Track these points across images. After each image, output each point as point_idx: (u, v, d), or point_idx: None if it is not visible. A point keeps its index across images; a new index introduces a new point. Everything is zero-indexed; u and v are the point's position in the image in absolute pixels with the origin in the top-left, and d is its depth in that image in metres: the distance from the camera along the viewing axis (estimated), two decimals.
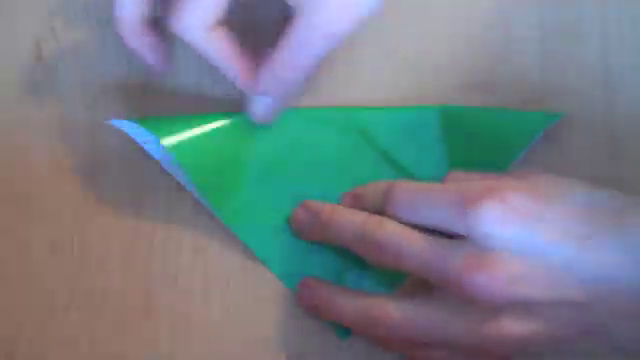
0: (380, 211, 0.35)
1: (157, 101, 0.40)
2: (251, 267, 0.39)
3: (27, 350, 0.38)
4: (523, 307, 0.31)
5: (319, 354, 0.38)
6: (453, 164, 0.39)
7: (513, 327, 0.31)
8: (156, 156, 0.38)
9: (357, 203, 0.37)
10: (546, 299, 0.31)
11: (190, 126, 0.37)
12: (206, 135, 0.38)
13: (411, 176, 0.39)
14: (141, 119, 0.37)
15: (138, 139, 0.38)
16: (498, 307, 0.31)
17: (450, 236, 0.32)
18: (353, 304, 0.35)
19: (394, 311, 0.34)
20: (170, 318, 0.38)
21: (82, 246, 0.39)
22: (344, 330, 0.37)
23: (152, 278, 0.38)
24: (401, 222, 0.34)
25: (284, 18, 0.35)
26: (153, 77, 0.40)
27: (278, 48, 0.36)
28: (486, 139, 0.39)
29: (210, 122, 0.38)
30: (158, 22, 0.37)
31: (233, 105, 0.40)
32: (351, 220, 0.35)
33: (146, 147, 0.38)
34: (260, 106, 0.37)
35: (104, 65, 0.40)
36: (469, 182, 0.33)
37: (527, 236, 0.31)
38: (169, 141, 0.37)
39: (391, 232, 0.33)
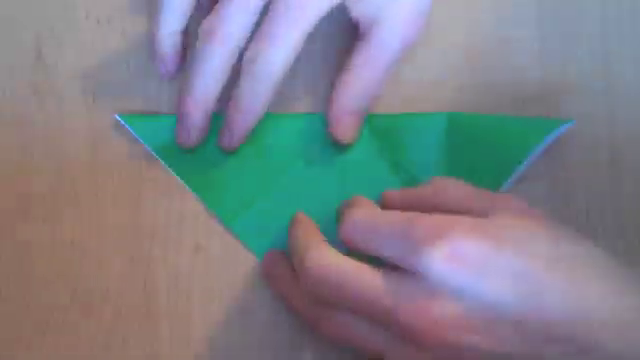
0: None
1: (158, 101, 0.40)
2: (251, 267, 0.39)
3: (27, 350, 0.38)
4: (457, 350, 0.30)
5: (319, 354, 0.38)
6: (457, 170, 0.39)
7: None
8: (157, 154, 0.39)
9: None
10: (480, 347, 0.30)
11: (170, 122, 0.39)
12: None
13: (413, 179, 0.39)
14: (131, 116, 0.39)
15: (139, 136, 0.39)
16: (431, 347, 0.31)
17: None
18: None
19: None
20: (170, 318, 0.38)
21: (82, 246, 0.39)
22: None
23: (152, 278, 0.39)
24: (356, 250, 0.33)
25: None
26: (154, 77, 0.40)
27: (352, 66, 0.37)
28: (489, 145, 0.39)
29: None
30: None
31: None
32: (298, 244, 0.35)
33: (146, 144, 0.39)
34: (346, 126, 0.38)
35: (104, 65, 0.40)
36: (422, 216, 0.32)
37: (472, 285, 0.30)
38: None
39: (335, 264, 0.33)
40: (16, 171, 0.39)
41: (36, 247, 0.39)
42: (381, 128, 0.39)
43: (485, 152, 0.38)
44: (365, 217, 0.33)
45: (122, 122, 0.39)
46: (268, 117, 0.39)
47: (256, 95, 0.37)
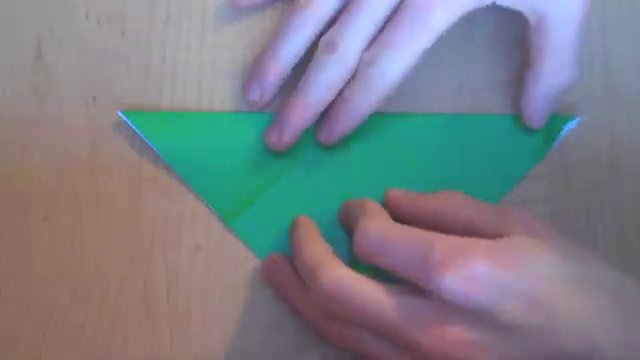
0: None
1: (158, 101, 0.40)
2: (251, 267, 0.39)
3: (27, 350, 0.38)
4: None
5: (319, 353, 0.38)
6: (459, 173, 0.39)
7: None
8: (159, 151, 0.39)
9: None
10: None
11: (177, 120, 0.38)
12: (189, 125, 0.39)
13: (413, 180, 0.39)
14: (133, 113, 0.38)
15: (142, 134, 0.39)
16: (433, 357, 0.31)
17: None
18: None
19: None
20: (170, 318, 0.38)
21: (82, 246, 0.39)
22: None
23: (152, 278, 0.39)
24: (366, 262, 0.33)
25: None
26: (154, 77, 0.40)
27: (541, 60, 0.37)
28: (497, 147, 0.39)
29: (204, 120, 0.39)
30: None
31: (232, 104, 0.40)
32: (308, 257, 0.35)
33: (148, 140, 0.39)
34: (546, 112, 0.38)
35: (104, 65, 0.40)
36: (440, 238, 0.31)
37: (487, 309, 0.30)
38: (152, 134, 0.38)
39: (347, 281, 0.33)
40: (16, 171, 0.39)
41: (36, 247, 0.39)
42: (382, 128, 0.39)
43: (494, 154, 0.39)
44: (379, 230, 0.33)
45: (125, 118, 0.38)
46: (270, 116, 0.39)
47: (366, 98, 0.37)
